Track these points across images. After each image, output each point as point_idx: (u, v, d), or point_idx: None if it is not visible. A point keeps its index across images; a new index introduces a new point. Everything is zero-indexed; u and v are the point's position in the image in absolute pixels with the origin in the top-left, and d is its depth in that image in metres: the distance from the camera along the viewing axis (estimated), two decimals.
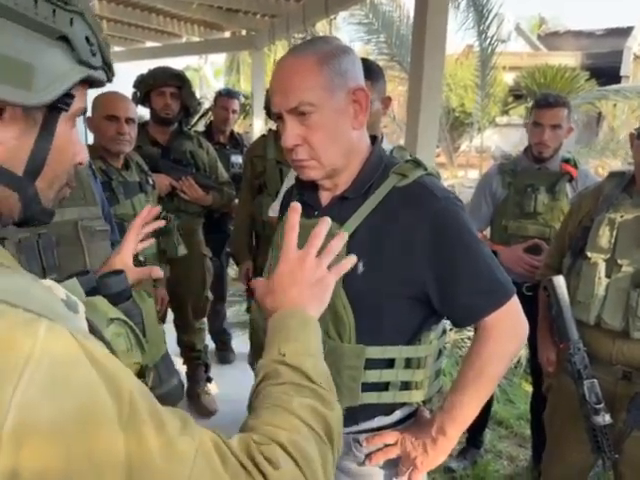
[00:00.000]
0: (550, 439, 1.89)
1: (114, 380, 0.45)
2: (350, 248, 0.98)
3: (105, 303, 0.62)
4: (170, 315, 2.91)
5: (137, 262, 2.07)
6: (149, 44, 6.86)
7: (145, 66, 2.86)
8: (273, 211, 2.13)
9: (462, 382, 1.05)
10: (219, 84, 15.38)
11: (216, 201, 2.78)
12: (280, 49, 7.95)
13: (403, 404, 1.13)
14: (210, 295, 2.94)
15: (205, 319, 3.08)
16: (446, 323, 1.18)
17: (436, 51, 2.54)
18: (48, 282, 0.52)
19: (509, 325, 1.03)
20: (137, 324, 0.66)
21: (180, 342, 2.99)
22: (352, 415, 1.03)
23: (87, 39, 0.55)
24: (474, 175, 8.47)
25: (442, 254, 1.00)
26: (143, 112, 2.83)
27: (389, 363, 1.05)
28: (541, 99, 2.37)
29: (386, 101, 1.72)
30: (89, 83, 0.59)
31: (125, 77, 2.67)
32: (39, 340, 0.42)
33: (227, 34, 6.21)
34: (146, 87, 2.62)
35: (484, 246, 1.05)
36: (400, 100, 8.95)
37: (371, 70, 1.66)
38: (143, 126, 2.70)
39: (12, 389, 0.40)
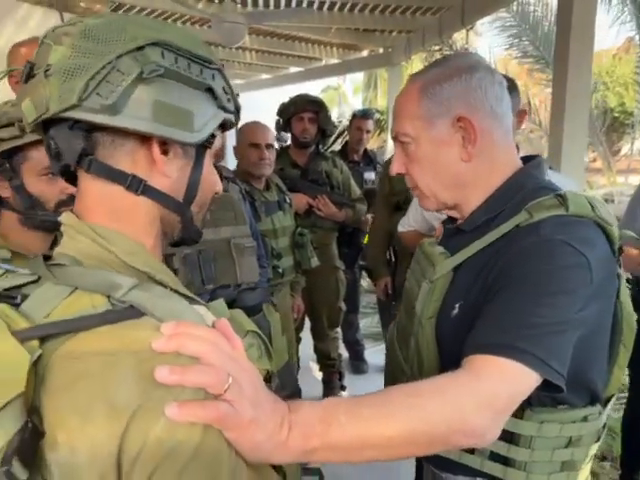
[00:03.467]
0: None
1: None
2: (452, 286, 0.93)
3: (243, 316, 0.70)
4: (308, 323, 3.09)
5: (277, 273, 2.28)
6: (293, 69, 7.33)
7: (290, 91, 3.10)
8: (402, 226, 2.16)
9: (392, 401, 0.70)
10: (357, 101, 15.80)
11: (349, 217, 2.93)
12: (417, 62, 7.97)
13: None
14: (343, 306, 3.07)
15: (339, 329, 3.21)
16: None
17: (583, 49, 2.37)
18: (202, 309, 0.61)
19: (491, 382, 0.74)
20: (266, 334, 0.75)
21: (316, 349, 3.16)
22: (443, 463, 0.95)
23: (224, 89, 0.66)
24: (636, 181, 7.58)
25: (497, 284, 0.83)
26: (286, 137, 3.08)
27: None
28: None
29: (521, 115, 1.68)
30: (223, 125, 0.70)
31: (270, 103, 2.92)
32: None
33: (364, 53, 6.41)
34: (287, 114, 2.86)
35: (549, 304, 0.78)
36: (547, 104, 8.40)
37: None
38: (285, 150, 2.97)
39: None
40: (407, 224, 2.14)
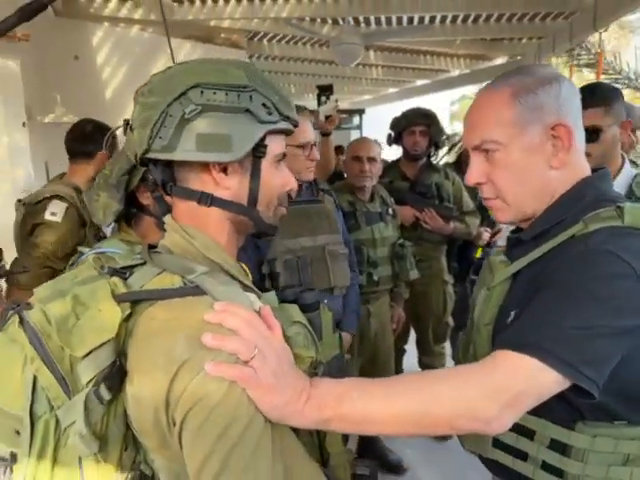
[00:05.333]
0: None
1: None
2: (509, 294, 0.94)
3: (295, 310, 0.80)
4: (413, 335, 3.09)
5: (371, 281, 2.35)
6: (419, 82, 7.35)
7: (417, 103, 3.15)
8: (503, 240, 2.11)
9: (404, 382, 0.77)
10: None
11: (457, 230, 2.88)
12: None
13: None
14: (451, 321, 3.01)
15: (446, 344, 3.15)
16: None
17: None
18: (253, 297, 0.75)
19: (503, 375, 0.76)
20: (316, 329, 0.84)
21: (421, 363, 3.14)
22: (500, 468, 0.97)
23: (264, 105, 0.74)
24: None
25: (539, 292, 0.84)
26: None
27: (528, 433, 0.93)
28: None
29: (625, 125, 1.57)
30: (283, 132, 0.81)
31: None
32: None
33: (495, 62, 6.22)
34: (399, 128, 2.90)
35: (583, 309, 0.78)
36: None
37: (605, 95, 1.55)
38: (396, 162, 3.03)
39: (205, 365, 0.63)
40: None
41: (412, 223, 2.82)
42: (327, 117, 2.41)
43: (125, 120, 0.80)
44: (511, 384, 0.75)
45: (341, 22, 4.62)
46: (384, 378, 0.76)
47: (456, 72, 6.58)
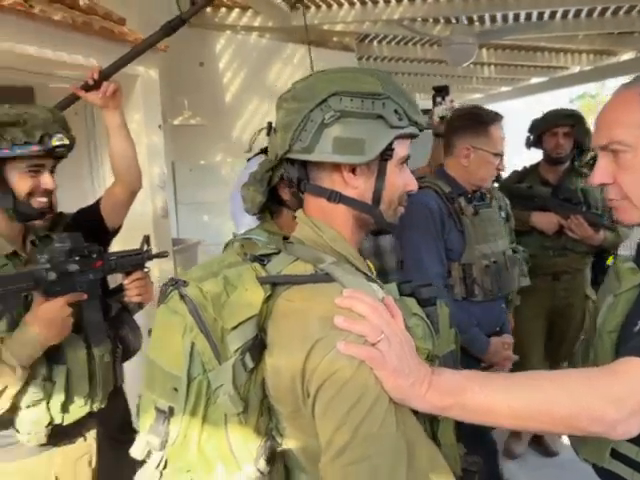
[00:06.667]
0: None
1: None
2: (637, 302, 0.93)
3: (414, 303, 0.85)
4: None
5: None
6: (535, 80, 6.99)
7: (530, 102, 3.00)
8: (626, 249, 1.98)
9: (527, 378, 0.79)
10: None
11: (608, 240, 2.59)
12: None
13: None
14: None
15: None
16: None
17: None
18: (376, 287, 0.82)
19: (627, 381, 0.76)
20: (433, 323, 0.89)
21: None
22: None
23: (395, 111, 0.80)
24: None
25: None
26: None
27: None
28: None
29: None
30: (409, 137, 0.86)
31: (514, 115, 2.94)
32: None
33: (623, 57, 5.75)
34: (538, 130, 2.72)
35: None
36: None
37: None
38: (535, 166, 2.82)
39: (336, 344, 0.70)
40: None
41: (555, 231, 2.60)
42: (441, 118, 2.40)
43: (269, 123, 0.89)
44: (636, 389, 0.75)
45: (454, 21, 4.55)
46: (506, 373, 0.79)
47: (576, 69, 6.17)
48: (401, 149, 0.85)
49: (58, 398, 1.27)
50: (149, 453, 0.81)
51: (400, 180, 0.87)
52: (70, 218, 1.59)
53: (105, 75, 1.57)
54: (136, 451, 0.82)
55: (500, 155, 1.82)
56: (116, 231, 1.70)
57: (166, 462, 0.80)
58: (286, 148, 0.81)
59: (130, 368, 1.63)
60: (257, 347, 0.75)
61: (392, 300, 0.77)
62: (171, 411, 0.76)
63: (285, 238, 0.89)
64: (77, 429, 1.38)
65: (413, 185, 0.89)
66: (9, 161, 1.27)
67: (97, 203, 1.65)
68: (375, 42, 5.47)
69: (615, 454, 0.94)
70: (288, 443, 0.79)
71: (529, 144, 2.75)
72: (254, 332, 0.75)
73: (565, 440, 2.99)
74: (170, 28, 1.69)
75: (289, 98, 0.83)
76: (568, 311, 2.69)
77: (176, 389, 0.75)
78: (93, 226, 1.58)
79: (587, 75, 6.32)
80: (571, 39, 4.92)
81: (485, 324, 1.86)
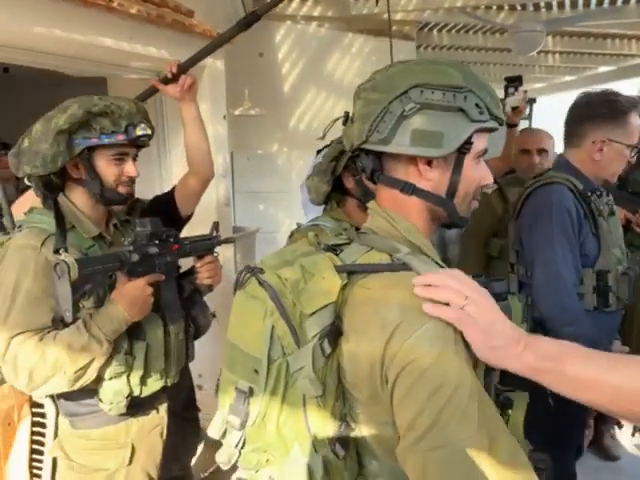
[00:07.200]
0: None
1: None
2: None
3: None
4: None
5: None
6: (602, 69, 6.66)
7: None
8: None
9: (630, 359, 0.75)
10: None
11: None
12: None
13: None
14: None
15: None
16: None
17: None
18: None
19: None
20: (508, 316, 0.89)
21: None
22: None
23: (476, 105, 0.80)
24: None
25: None
26: None
27: None
28: None
29: None
30: (488, 130, 0.86)
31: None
32: None
33: None
34: None
35: None
36: None
37: None
38: None
39: (416, 329, 0.71)
40: None
41: (622, 226, 2.58)
42: (514, 108, 2.36)
43: (345, 112, 0.91)
44: None
45: (519, 8, 4.40)
46: (604, 352, 0.78)
47: None
48: (480, 143, 0.85)
49: (137, 372, 1.35)
50: (224, 433, 0.84)
51: (476, 174, 0.87)
52: (146, 204, 1.68)
53: (183, 68, 1.64)
54: (213, 430, 0.85)
55: (636, 147, 1.65)
56: (188, 218, 1.78)
57: (244, 442, 0.82)
58: (363, 138, 0.82)
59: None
60: (334, 333, 0.77)
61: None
62: (251, 392, 0.78)
63: (356, 229, 0.91)
64: (151, 402, 1.47)
65: (489, 179, 0.90)
66: (98, 149, 1.36)
67: (172, 191, 1.73)
68: (435, 30, 5.36)
69: None
70: (361, 429, 0.80)
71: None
72: (331, 319, 0.77)
73: (626, 444, 2.91)
74: (245, 24, 1.73)
75: (369, 88, 0.84)
76: (631, 314, 2.57)
77: (257, 371, 0.77)
78: (167, 213, 1.66)
79: None
80: None
81: (612, 335, 1.77)
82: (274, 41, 4.38)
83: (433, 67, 0.83)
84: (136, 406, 1.42)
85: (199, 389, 2.35)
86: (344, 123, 0.92)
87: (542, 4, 4.32)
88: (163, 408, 1.52)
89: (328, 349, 0.76)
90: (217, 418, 0.85)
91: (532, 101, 7.45)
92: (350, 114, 0.89)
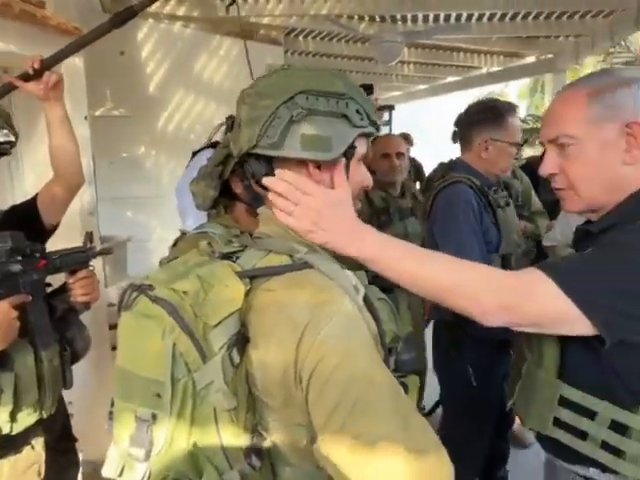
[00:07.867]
0: None
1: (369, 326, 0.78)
2: None
3: (377, 290, 0.89)
4: None
5: None
6: (450, 79, 7.35)
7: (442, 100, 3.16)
8: (548, 240, 2.17)
9: (439, 256, 0.96)
10: (522, 107, 14.99)
11: (527, 230, 2.79)
12: (590, 67, 7.42)
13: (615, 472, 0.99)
14: None
15: None
16: None
17: None
18: (349, 272, 0.84)
19: (518, 282, 0.93)
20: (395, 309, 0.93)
21: None
22: (557, 447, 1.05)
23: (357, 111, 0.84)
24: None
25: None
26: None
27: (589, 413, 0.99)
28: None
29: None
30: (366, 135, 0.91)
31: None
32: (343, 304, 0.74)
33: (528, 59, 6.21)
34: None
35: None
36: None
37: None
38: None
39: (324, 325, 0.72)
40: (553, 239, 2.14)
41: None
42: None
43: (229, 117, 0.89)
44: (518, 292, 0.91)
45: (378, 19, 4.68)
46: (421, 248, 0.95)
47: (490, 69, 6.58)
48: (361, 147, 0.89)
49: (6, 407, 1.19)
50: (122, 470, 0.76)
51: (359, 176, 0.92)
52: (1, 214, 1.48)
53: (47, 65, 1.47)
54: (109, 468, 0.77)
55: (518, 144, 1.87)
56: (54, 228, 1.61)
57: (149, 474, 0.75)
58: (253, 143, 0.82)
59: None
60: (241, 342, 0.75)
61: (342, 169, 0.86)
62: (154, 418, 0.72)
63: (248, 234, 0.90)
64: (25, 438, 1.31)
65: (369, 181, 0.95)
66: None
67: (33, 199, 1.55)
68: (301, 37, 5.49)
69: (557, 422, 1.03)
70: (273, 437, 0.79)
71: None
72: (237, 327, 0.74)
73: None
74: (119, 20, 1.60)
75: (253, 94, 0.84)
76: None
77: (159, 395, 0.72)
78: (29, 224, 1.48)
79: (496, 75, 6.75)
80: (485, 41, 5.23)
81: None
82: (136, 39, 4.14)
83: (315, 74, 0.85)
84: (6, 445, 1.25)
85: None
86: (230, 128, 0.90)
87: (398, 17, 4.65)
88: (39, 443, 1.36)
89: (237, 358, 0.73)
90: (112, 454, 0.77)
91: (391, 108, 8.02)
92: (236, 119, 0.88)
